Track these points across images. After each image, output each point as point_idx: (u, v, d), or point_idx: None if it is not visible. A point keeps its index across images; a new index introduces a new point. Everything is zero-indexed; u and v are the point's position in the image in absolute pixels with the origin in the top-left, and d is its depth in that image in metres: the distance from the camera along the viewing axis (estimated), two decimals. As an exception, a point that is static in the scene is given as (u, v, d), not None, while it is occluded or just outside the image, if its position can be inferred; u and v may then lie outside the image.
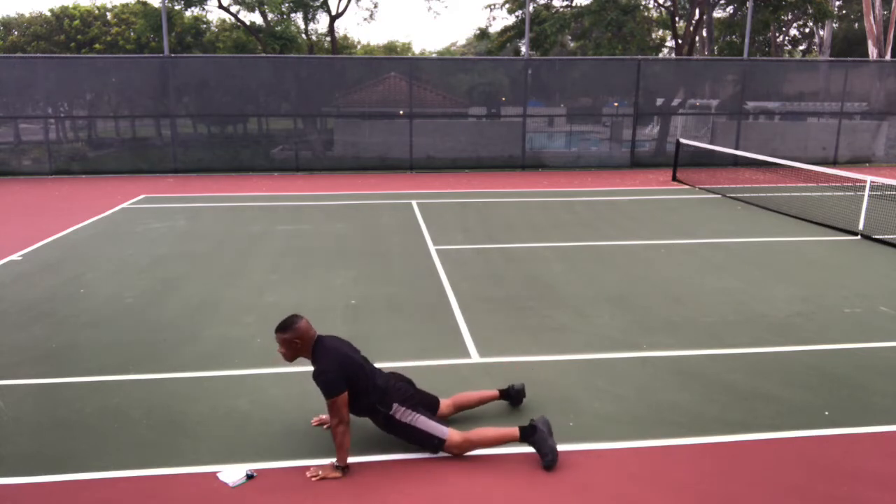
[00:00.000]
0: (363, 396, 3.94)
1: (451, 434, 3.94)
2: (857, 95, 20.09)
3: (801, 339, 5.80)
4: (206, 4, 21.03)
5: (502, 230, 10.36)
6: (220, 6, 20.91)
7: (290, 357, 3.96)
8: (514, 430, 3.95)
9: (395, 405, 3.97)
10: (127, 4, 27.48)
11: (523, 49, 20.44)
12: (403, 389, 4.10)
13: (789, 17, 31.38)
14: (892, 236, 9.49)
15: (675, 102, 20.25)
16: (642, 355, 5.45)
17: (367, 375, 3.98)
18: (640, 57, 19.40)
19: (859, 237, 9.70)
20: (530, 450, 3.96)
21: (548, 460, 3.81)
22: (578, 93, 20.13)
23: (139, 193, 13.93)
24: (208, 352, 5.54)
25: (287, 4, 21.18)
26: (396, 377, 4.20)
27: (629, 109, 18.88)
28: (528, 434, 3.91)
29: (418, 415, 3.97)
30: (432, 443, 3.93)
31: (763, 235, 9.89)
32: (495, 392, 4.52)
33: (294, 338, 3.88)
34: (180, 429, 4.27)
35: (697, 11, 22.85)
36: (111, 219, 11.29)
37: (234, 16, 22.13)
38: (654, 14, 27.53)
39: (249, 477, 3.73)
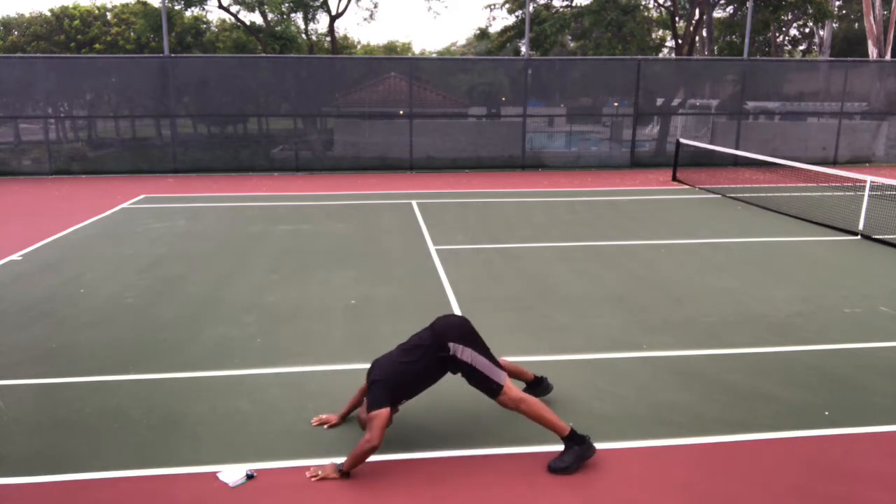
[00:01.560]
0: (424, 370, 3.93)
1: (508, 384, 3.89)
2: (857, 95, 20.08)
3: (801, 339, 5.80)
4: (206, 4, 21.05)
5: (502, 230, 10.36)
6: (220, 6, 20.92)
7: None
8: (567, 426, 3.88)
9: (452, 344, 3.90)
10: (127, 4, 27.50)
11: (523, 49, 20.44)
12: (456, 325, 4.04)
13: (789, 17, 31.38)
14: (892, 236, 9.49)
15: (675, 102, 20.25)
16: (642, 355, 5.45)
17: (412, 357, 3.93)
18: (640, 57, 19.39)
19: (859, 237, 9.70)
20: (530, 449, 3.96)
21: (558, 465, 3.78)
22: (578, 93, 20.13)
23: (139, 193, 13.93)
24: (208, 352, 5.54)
25: (287, 4, 21.18)
26: (445, 317, 4.17)
27: (629, 109, 18.88)
28: (576, 440, 3.84)
29: (479, 355, 3.91)
30: (490, 387, 3.88)
31: (763, 235, 9.89)
32: (531, 376, 4.59)
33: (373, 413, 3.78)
34: (180, 429, 4.27)
35: (697, 11, 22.86)
36: (111, 219, 11.29)
37: (234, 16, 22.14)
38: (654, 14, 27.55)
39: (249, 477, 3.73)
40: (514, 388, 3.90)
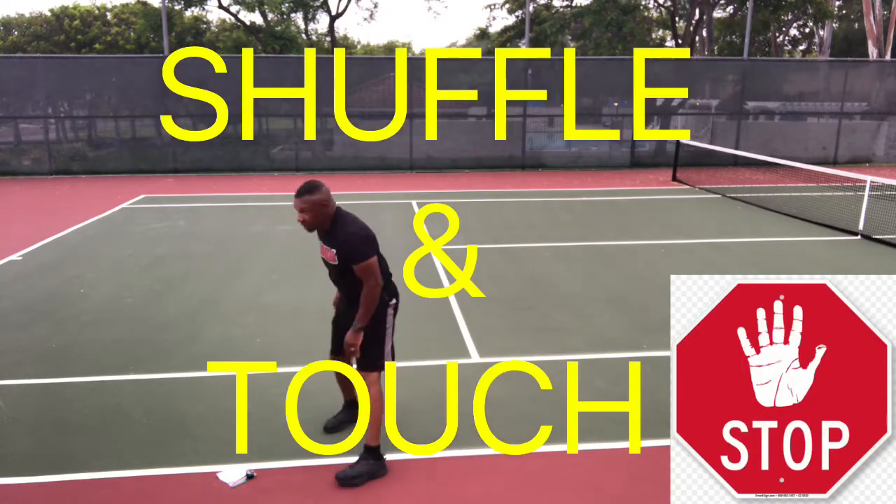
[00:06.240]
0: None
1: (379, 374, 3.78)
2: (857, 95, 20.06)
3: (801, 339, 5.79)
4: (206, 4, 21.10)
5: (502, 230, 10.36)
6: (220, 6, 20.95)
7: (312, 225, 3.71)
8: (378, 440, 3.76)
9: (395, 300, 3.85)
10: (127, 4, 27.53)
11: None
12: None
13: (789, 17, 31.38)
14: (892, 236, 9.49)
15: (675, 102, 20.24)
16: (642, 355, 5.45)
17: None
18: (640, 57, 19.36)
19: (859, 237, 9.70)
20: (530, 449, 3.96)
21: (349, 473, 3.67)
22: (578, 93, 20.08)
23: (139, 193, 13.93)
24: (208, 352, 5.54)
25: (287, 4, 21.21)
26: None
27: (629, 109, 18.86)
28: (376, 455, 3.73)
29: (391, 335, 3.80)
30: (376, 364, 3.74)
31: (763, 235, 9.89)
32: (353, 396, 4.08)
33: (322, 200, 3.64)
34: (180, 429, 4.27)
35: (697, 11, 22.86)
36: (111, 219, 11.29)
37: (234, 16, 22.17)
38: (654, 14, 27.55)
39: (249, 477, 3.73)
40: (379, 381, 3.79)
